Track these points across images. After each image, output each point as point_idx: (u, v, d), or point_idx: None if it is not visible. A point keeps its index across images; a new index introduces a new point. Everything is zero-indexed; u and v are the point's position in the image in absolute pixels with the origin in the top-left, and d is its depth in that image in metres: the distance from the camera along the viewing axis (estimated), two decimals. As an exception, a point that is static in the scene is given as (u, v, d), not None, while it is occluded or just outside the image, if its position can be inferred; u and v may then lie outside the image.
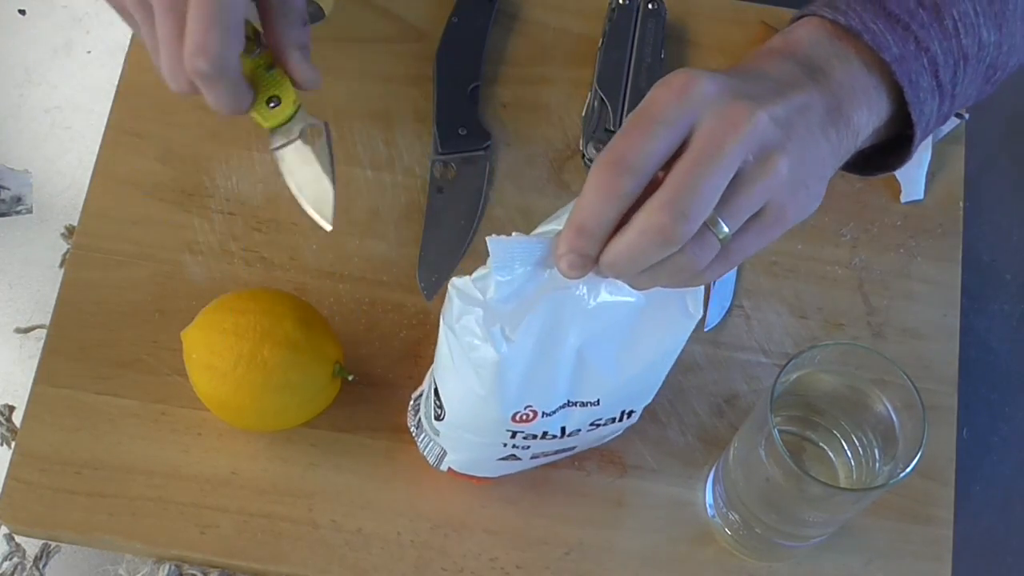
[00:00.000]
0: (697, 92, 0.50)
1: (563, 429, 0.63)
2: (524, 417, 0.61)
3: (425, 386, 0.67)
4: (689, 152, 0.50)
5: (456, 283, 0.57)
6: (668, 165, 0.51)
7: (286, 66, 0.65)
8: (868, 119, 0.57)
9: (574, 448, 0.68)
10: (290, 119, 0.66)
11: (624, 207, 0.50)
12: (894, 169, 0.62)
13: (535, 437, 0.63)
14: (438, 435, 0.66)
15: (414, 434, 0.69)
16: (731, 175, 0.50)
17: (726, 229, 0.51)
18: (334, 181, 0.67)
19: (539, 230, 0.60)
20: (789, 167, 0.52)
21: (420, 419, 0.68)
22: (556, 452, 0.68)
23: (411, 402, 0.70)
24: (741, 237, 0.52)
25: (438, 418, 0.64)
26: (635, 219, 0.50)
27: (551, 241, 0.53)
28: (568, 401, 0.61)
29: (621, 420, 0.66)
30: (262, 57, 0.66)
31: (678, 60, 0.83)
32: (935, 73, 0.58)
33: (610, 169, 0.50)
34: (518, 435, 0.62)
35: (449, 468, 0.68)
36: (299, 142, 0.67)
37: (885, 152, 0.61)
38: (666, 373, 0.65)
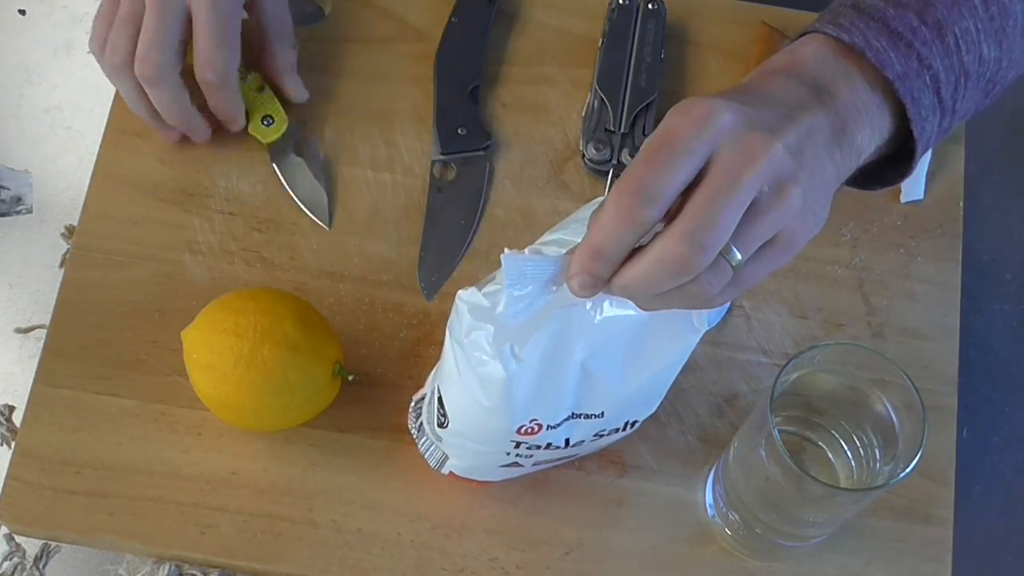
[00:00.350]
0: (716, 122, 0.51)
1: (567, 441, 0.63)
2: (529, 430, 0.61)
3: (427, 390, 0.67)
4: (708, 183, 0.50)
5: (465, 297, 0.57)
6: (684, 192, 0.51)
7: (281, 84, 0.78)
8: (871, 139, 0.57)
9: (576, 455, 0.68)
10: (284, 135, 0.78)
11: (643, 234, 0.51)
12: (894, 184, 0.62)
13: (539, 448, 0.63)
14: (440, 441, 0.66)
15: (415, 436, 0.69)
16: (747, 205, 0.51)
17: (739, 257, 0.51)
18: (326, 187, 0.78)
19: (545, 238, 0.60)
20: (802, 196, 0.52)
21: (422, 423, 0.67)
22: (559, 459, 0.68)
23: (412, 404, 0.70)
24: (752, 263, 0.53)
25: (441, 425, 0.64)
26: (653, 247, 0.51)
27: (563, 259, 0.53)
28: (573, 414, 0.61)
29: (625, 430, 0.66)
30: (253, 81, 0.78)
31: (678, 60, 0.83)
32: (937, 90, 0.58)
33: (633, 197, 0.50)
34: (522, 446, 0.62)
35: (450, 472, 0.68)
36: (293, 155, 0.78)
37: (885, 166, 0.61)
38: (670, 384, 0.65)
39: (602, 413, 0.62)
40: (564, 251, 0.55)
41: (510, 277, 0.53)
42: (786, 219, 0.52)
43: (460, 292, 0.57)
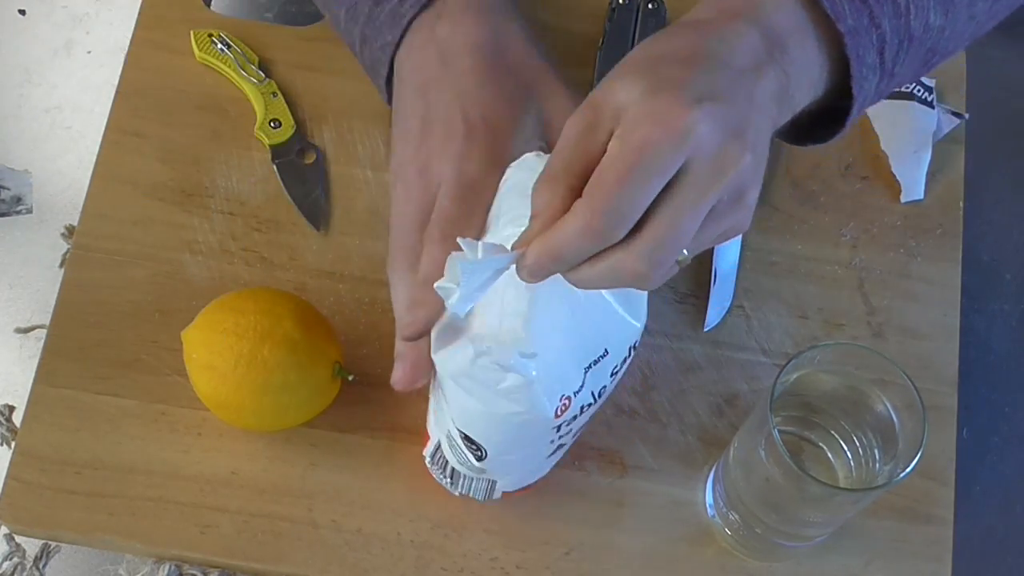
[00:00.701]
0: (694, 135, 0.49)
1: (593, 394, 0.62)
2: (563, 408, 0.59)
3: (438, 440, 0.66)
4: (674, 200, 0.50)
5: (440, 354, 0.58)
6: None
7: None
8: (807, 96, 0.57)
9: (604, 403, 0.66)
10: (289, 140, 0.79)
11: (607, 246, 0.51)
12: (822, 142, 0.61)
13: (575, 418, 0.62)
14: (484, 472, 0.65)
15: (448, 486, 0.69)
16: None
17: (686, 254, 0.52)
18: (324, 193, 0.78)
19: (497, 228, 0.60)
20: (756, 195, 0.52)
21: (453, 468, 0.67)
22: (592, 416, 0.66)
23: (427, 460, 0.69)
24: (695, 253, 0.53)
25: (479, 459, 0.63)
26: (610, 256, 0.50)
27: (516, 256, 0.52)
28: (586, 368, 0.60)
29: (630, 356, 0.64)
30: (268, 84, 0.80)
31: (678, 60, 0.83)
32: (881, 51, 0.57)
33: (604, 218, 0.49)
34: (562, 426, 0.61)
35: (502, 493, 0.68)
36: (294, 158, 0.79)
37: (817, 123, 0.60)
38: (646, 295, 0.63)
39: (606, 351, 0.60)
40: (511, 243, 0.54)
41: (466, 280, 0.53)
42: (738, 219, 0.52)
43: (433, 355, 0.59)
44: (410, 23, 0.65)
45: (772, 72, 0.54)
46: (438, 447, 0.67)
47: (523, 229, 0.56)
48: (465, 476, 0.67)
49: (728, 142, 0.50)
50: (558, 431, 0.62)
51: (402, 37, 0.66)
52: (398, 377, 0.64)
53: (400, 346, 0.64)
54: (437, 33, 0.65)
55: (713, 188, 0.50)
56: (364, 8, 0.67)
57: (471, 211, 0.62)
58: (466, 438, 0.62)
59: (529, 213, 0.53)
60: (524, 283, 0.54)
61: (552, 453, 0.65)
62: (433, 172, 0.63)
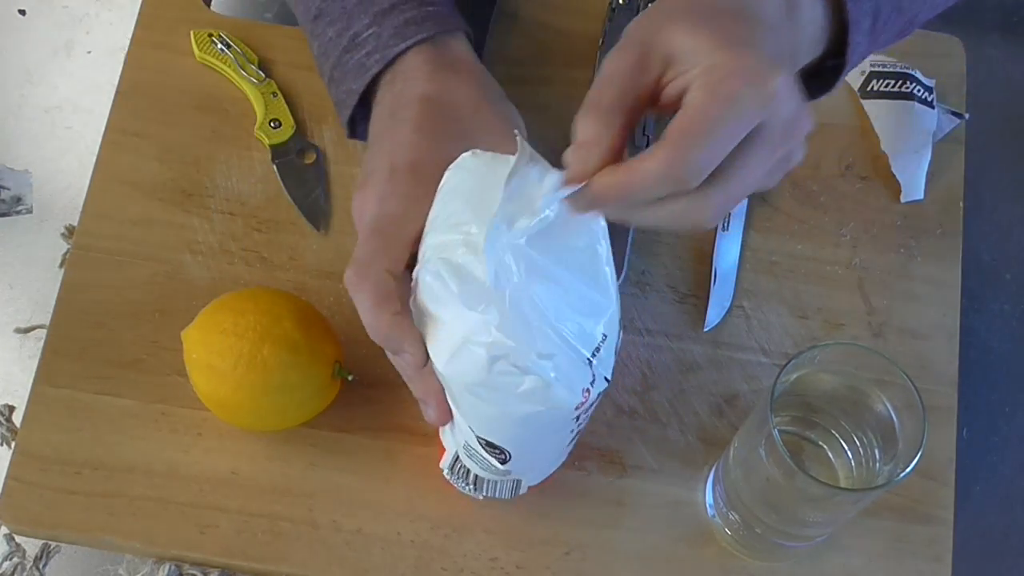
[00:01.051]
0: (779, 97, 0.50)
1: (606, 378, 0.61)
2: (583, 401, 0.59)
3: (455, 451, 0.66)
4: (749, 156, 0.50)
5: (439, 337, 0.57)
6: None
7: None
8: (805, 59, 0.58)
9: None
10: (289, 140, 0.79)
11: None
12: (812, 98, 0.62)
13: (593, 405, 0.61)
14: (508, 474, 0.65)
15: (472, 492, 0.68)
16: None
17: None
18: (324, 193, 0.78)
19: (432, 236, 0.59)
20: (801, 158, 0.54)
21: (475, 476, 0.66)
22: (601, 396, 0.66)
23: (445, 472, 0.69)
24: None
25: (503, 462, 0.63)
26: (680, 202, 0.51)
27: (562, 177, 0.52)
28: (589, 359, 0.59)
29: (620, 330, 0.64)
30: (268, 84, 0.80)
31: (678, 60, 0.83)
32: (875, 18, 0.59)
33: (687, 167, 0.49)
34: (581, 416, 0.61)
35: (527, 488, 0.68)
36: (294, 158, 0.79)
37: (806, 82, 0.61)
38: (619, 274, 0.63)
39: (605, 337, 0.60)
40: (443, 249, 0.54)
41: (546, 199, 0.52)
42: (776, 179, 0.54)
43: (436, 366, 0.58)
44: (375, 78, 0.67)
45: (788, 34, 0.55)
46: (456, 458, 0.66)
47: (460, 237, 0.56)
48: (489, 480, 0.67)
49: (800, 108, 0.51)
50: (577, 420, 0.62)
51: (367, 88, 0.67)
52: (432, 418, 0.64)
53: (416, 391, 0.64)
54: (393, 88, 0.67)
55: (780, 150, 0.51)
56: (335, 53, 0.68)
57: (388, 246, 0.62)
58: (488, 445, 0.62)
59: (467, 217, 0.54)
60: (493, 288, 0.54)
61: (572, 440, 0.65)
62: (361, 219, 0.65)
